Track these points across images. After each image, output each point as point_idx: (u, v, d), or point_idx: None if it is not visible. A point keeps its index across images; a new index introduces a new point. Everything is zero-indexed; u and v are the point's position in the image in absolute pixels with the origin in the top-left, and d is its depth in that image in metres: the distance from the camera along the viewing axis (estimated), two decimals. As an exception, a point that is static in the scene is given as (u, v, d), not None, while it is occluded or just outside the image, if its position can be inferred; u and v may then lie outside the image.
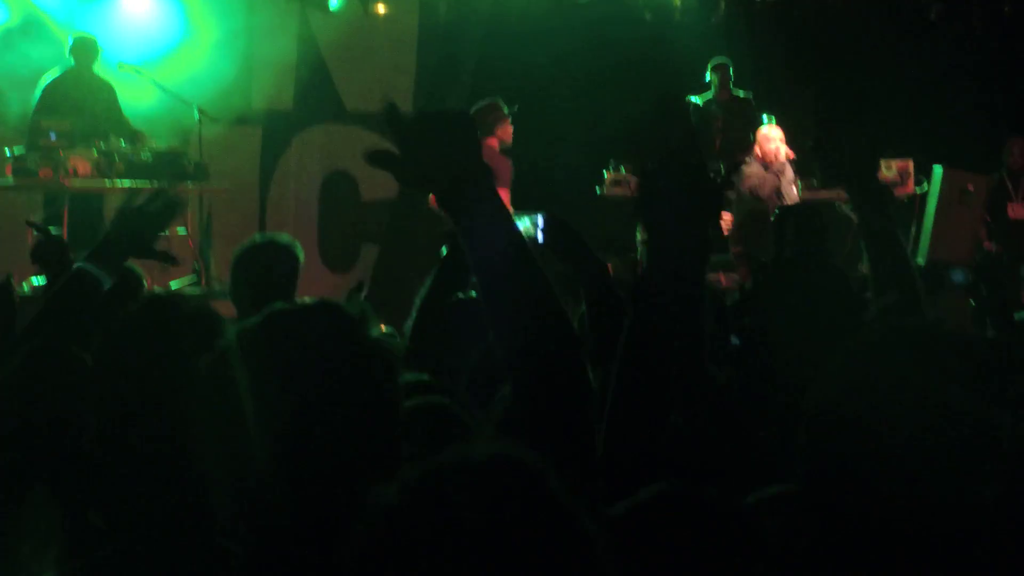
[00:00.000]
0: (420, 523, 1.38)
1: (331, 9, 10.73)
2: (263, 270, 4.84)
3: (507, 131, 9.93)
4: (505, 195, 9.40)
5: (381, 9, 11.11)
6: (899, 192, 11.05)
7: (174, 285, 9.52)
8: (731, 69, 11.57)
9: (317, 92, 11.67)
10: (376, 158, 2.02)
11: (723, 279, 10.04)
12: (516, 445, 1.45)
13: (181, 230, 9.85)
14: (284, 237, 5.14)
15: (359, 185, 11.95)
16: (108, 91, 10.33)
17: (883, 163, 10.88)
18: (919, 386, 1.67)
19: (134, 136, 10.10)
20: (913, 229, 11.28)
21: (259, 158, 11.74)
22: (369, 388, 1.87)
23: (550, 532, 1.38)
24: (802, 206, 9.88)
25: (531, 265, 2.06)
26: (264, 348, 1.87)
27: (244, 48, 11.08)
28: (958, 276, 6.61)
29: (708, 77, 11.68)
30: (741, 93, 11.73)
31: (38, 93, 10.22)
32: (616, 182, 10.99)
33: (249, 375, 1.85)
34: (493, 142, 9.73)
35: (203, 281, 10.21)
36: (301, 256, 4.96)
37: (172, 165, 9.94)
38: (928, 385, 1.67)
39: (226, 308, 4.89)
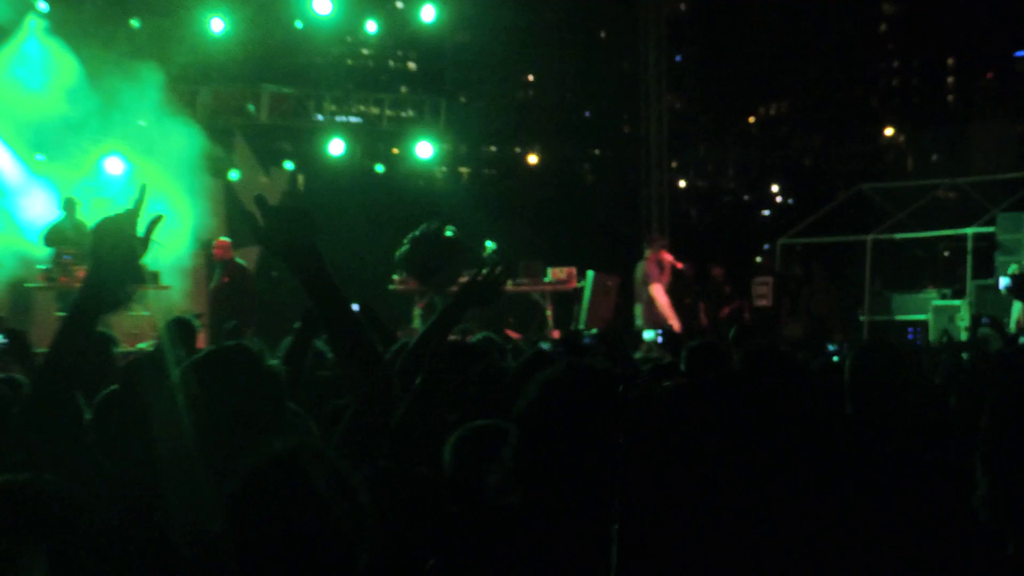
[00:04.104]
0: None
1: (230, 179, 17.66)
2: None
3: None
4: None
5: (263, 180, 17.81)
6: (568, 287, 18.31)
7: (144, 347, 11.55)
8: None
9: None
10: (252, 214, 2.86)
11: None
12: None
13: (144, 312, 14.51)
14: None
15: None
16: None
17: (558, 269, 18.29)
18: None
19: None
20: (575, 309, 18.05)
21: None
22: (272, 395, 3.00)
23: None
24: None
25: (348, 310, 3.04)
26: (210, 374, 2.93)
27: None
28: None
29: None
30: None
31: (45, 231, 15.50)
32: (401, 282, 17.63)
33: (202, 392, 2.87)
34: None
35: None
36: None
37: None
38: None
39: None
